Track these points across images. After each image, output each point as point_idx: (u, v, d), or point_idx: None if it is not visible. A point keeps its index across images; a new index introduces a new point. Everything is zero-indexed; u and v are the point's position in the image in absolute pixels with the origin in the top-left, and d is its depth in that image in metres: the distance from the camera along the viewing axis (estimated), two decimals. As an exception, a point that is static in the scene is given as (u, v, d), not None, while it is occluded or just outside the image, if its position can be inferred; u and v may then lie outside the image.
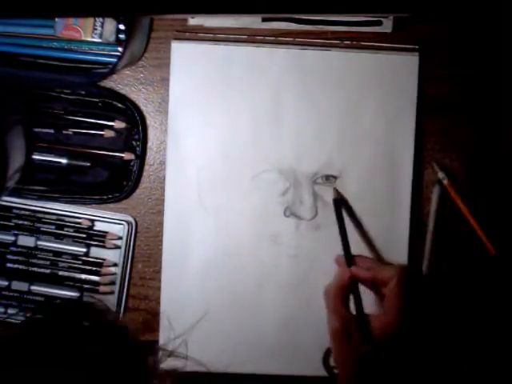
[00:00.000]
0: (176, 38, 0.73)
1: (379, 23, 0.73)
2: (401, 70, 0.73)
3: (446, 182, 0.74)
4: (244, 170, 0.73)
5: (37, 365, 0.46)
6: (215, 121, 0.73)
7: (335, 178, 0.73)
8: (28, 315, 0.73)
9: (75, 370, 0.46)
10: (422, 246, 0.74)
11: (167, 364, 0.54)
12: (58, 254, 0.74)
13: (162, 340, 0.73)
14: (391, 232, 0.73)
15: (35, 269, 0.74)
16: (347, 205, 0.73)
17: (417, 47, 0.73)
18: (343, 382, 0.64)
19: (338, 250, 0.71)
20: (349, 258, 0.69)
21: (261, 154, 0.73)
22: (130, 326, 0.54)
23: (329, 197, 0.73)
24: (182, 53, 0.73)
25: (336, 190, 0.72)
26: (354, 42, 0.73)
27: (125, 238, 0.74)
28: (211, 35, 0.73)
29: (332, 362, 0.73)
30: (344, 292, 0.67)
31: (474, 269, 0.74)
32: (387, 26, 0.73)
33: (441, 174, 0.74)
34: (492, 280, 0.74)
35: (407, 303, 0.64)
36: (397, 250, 0.73)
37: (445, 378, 0.73)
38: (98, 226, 0.75)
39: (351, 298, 0.67)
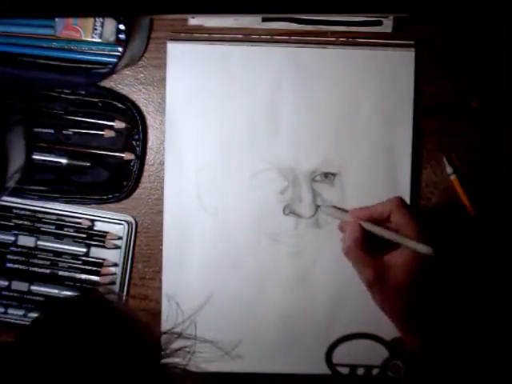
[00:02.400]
0: (172, 39, 0.73)
1: (379, 23, 0.73)
2: (397, 66, 0.73)
3: (453, 177, 0.74)
4: (242, 169, 0.73)
5: (47, 373, 0.45)
6: (213, 120, 0.73)
7: (334, 175, 0.73)
8: (32, 317, 0.73)
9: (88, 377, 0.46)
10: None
11: (177, 344, 0.53)
12: (58, 253, 0.74)
13: (163, 340, 0.73)
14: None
15: (35, 269, 0.74)
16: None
17: (412, 43, 0.73)
18: (400, 326, 0.64)
19: (338, 247, 0.71)
20: (345, 211, 0.68)
21: (259, 152, 0.73)
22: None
23: (328, 194, 0.73)
24: (178, 53, 0.73)
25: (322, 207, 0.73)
26: (350, 40, 0.74)
27: (125, 238, 0.74)
28: (207, 35, 0.73)
29: (335, 360, 0.74)
30: (361, 242, 0.64)
31: (473, 266, 0.74)
32: (387, 26, 0.73)
33: (449, 169, 0.74)
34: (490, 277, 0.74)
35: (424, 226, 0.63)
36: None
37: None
38: (98, 226, 0.75)
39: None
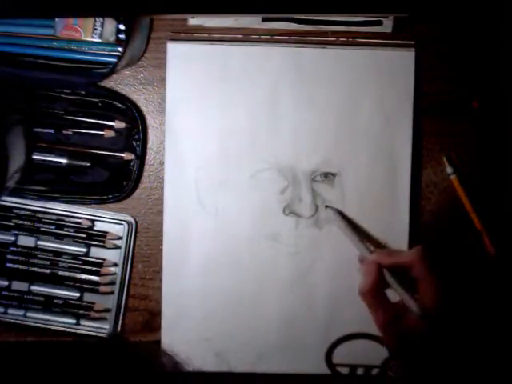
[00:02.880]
0: (172, 39, 0.73)
1: (379, 23, 0.73)
2: (397, 66, 0.73)
3: (453, 177, 0.74)
4: (242, 168, 0.73)
5: None
6: (213, 120, 0.73)
7: (334, 175, 0.73)
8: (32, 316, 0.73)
9: None
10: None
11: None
12: (58, 253, 0.74)
13: (164, 339, 0.73)
14: (390, 229, 0.73)
15: (35, 269, 0.74)
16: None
17: (412, 43, 0.73)
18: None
19: (338, 247, 0.72)
20: (368, 249, 0.69)
21: (259, 152, 0.73)
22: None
23: (328, 194, 0.73)
24: (178, 53, 0.73)
25: (329, 207, 0.73)
26: (350, 40, 0.74)
27: (125, 238, 0.74)
28: (207, 35, 0.73)
29: (335, 360, 0.74)
30: (376, 286, 0.66)
31: (473, 267, 0.74)
32: (387, 26, 0.73)
33: (449, 169, 0.74)
34: (490, 279, 0.74)
35: (441, 280, 0.64)
36: (396, 247, 0.73)
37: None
38: (98, 226, 0.75)
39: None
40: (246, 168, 0.73)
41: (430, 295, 0.64)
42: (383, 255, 0.68)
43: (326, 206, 0.73)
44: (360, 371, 0.75)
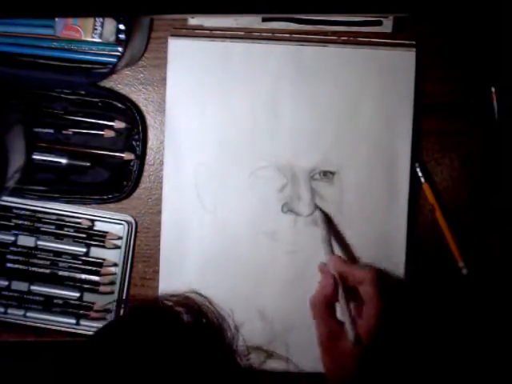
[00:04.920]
0: (173, 35, 0.73)
1: (379, 23, 0.73)
2: (398, 66, 0.73)
3: (423, 182, 0.74)
4: (241, 166, 0.73)
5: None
6: (212, 117, 0.73)
7: (333, 173, 0.73)
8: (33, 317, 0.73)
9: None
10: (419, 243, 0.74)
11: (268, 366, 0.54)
12: (58, 254, 0.74)
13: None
14: (389, 228, 0.73)
15: (35, 269, 0.74)
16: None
17: (413, 43, 0.73)
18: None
19: (336, 245, 0.72)
20: (331, 251, 0.71)
21: (258, 150, 0.73)
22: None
23: (326, 193, 0.73)
24: (179, 49, 0.73)
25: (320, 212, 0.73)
26: (351, 39, 0.74)
27: (125, 238, 0.74)
28: (208, 32, 0.73)
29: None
30: (329, 300, 0.68)
31: (446, 281, 0.75)
32: (387, 26, 0.73)
33: (420, 173, 0.74)
34: (462, 293, 0.75)
35: (386, 307, 0.65)
36: (394, 247, 0.73)
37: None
38: (98, 226, 0.75)
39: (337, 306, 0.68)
40: (245, 165, 0.73)
41: (369, 320, 0.65)
42: (340, 261, 0.70)
43: (318, 208, 0.73)
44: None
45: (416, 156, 0.74)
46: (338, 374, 0.66)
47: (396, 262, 0.73)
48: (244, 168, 0.73)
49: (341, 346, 0.66)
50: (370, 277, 0.66)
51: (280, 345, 0.74)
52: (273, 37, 0.74)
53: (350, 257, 0.73)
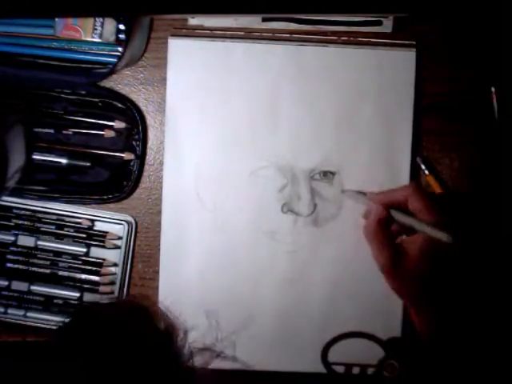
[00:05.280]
0: (173, 35, 0.73)
1: (379, 23, 0.73)
2: (398, 66, 0.73)
3: (427, 175, 0.74)
4: (242, 166, 0.73)
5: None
6: (213, 117, 0.73)
7: (333, 174, 0.73)
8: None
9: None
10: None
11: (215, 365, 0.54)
12: (58, 254, 0.74)
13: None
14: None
15: (35, 269, 0.74)
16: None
17: (414, 43, 0.73)
18: (411, 308, 0.67)
19: (335, 245, 0.73)
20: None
21: (258, 150, 0.73)
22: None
23: (326, 193, 0.73)
24: (179, 49, 0.73)
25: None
26: (351, 39, 0.74)
27: (125, 238, 0.74)
28: (208, 31, 0.73)
29: (330, 359, 0.74)
30: (383, 225, 0.67)
31: None
32: (387, 26, 0.73)
33: (423, 166, 0.74)
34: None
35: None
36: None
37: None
38: (98, 226, 0.75)
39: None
40: (245, 165, 0.73)
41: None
42: (377, 192, 0.70)
43: (343, 191, 0.73)
44: (356, 370, 0.74)
45: (416, 156, 0.74)
46: (406, 292, 0.67)
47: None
48: (244, 168, 0.73)
49: (406, 263, 0.65)
50: (413, 188, 0.67)
51: (284, 344, 0.74)
52: (273, 37, 0.74)
53: None
